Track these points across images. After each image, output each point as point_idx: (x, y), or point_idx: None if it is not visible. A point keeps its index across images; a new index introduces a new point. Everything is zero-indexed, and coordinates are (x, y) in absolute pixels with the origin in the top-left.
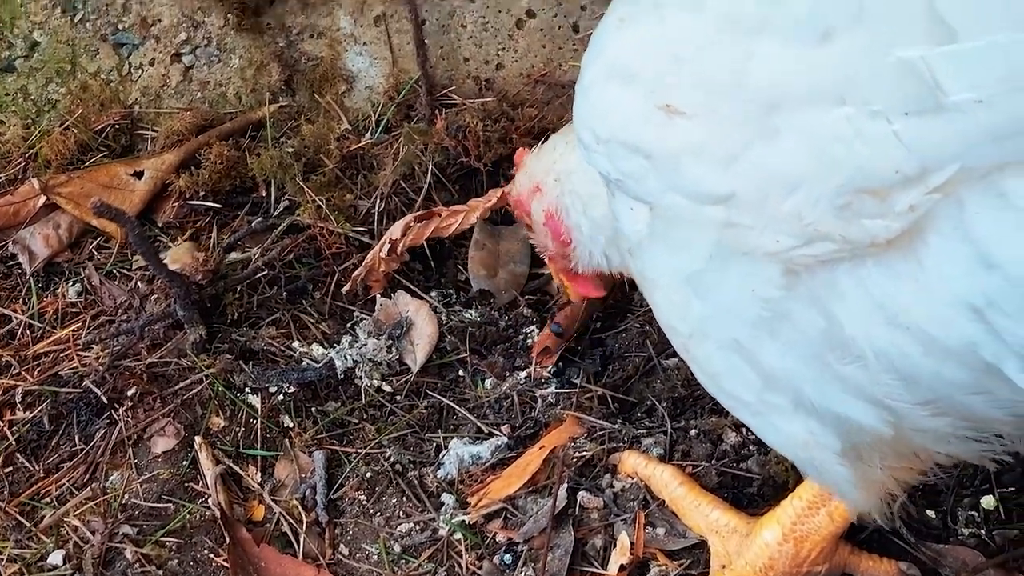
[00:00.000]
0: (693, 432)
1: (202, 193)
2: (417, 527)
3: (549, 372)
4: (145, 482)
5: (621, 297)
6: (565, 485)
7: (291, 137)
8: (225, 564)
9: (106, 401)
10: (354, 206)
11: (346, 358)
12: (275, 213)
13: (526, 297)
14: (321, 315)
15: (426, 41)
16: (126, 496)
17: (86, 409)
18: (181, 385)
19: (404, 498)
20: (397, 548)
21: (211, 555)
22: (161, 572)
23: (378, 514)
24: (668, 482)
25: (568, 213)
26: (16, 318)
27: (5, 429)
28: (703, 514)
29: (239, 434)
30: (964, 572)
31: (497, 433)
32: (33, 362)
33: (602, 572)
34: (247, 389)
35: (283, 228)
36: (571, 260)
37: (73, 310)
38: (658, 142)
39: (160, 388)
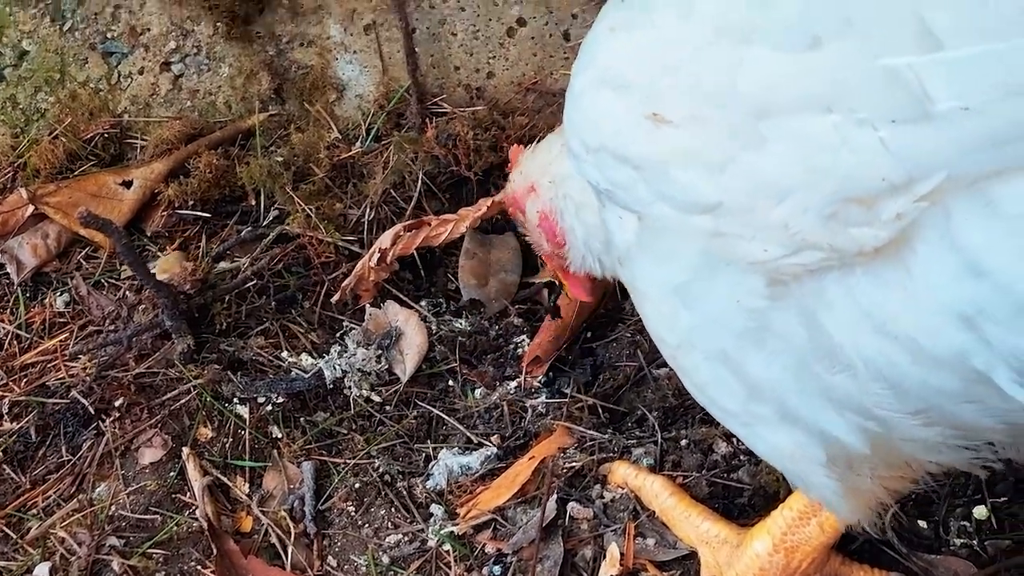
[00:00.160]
0: (684, 442)
1: (191, 202)
2: (406, 538)
3: (539, 382)
4: (132, 493)
5: (612, 306)
6: (555, 496)
7: (281, 146)
8: None
9: (93, 412)
10: (344, 215)
11: (335, 368)
12: (264, 222)
13: (516, 306)
14: (310, 325)
15: (416, 49)
16: (113, 508)
17: (73, 420)
18: (169, 396)
19: (393, 509)
20: (386, 559)
21: (198, 567)
22: None
23: (367, 525)
24: (658, 492)
25: (562, 216)
26: (3, 328)
27: None
28: (693, 525)
29: (227, 445)
30: None
31: (487, 443)
32: (20, 373)
33: None
34: (235, 399)
35: (272, 237)
36: (566, 261)
37: (61, 320)
38: (646, 151)
39: (148, 399)
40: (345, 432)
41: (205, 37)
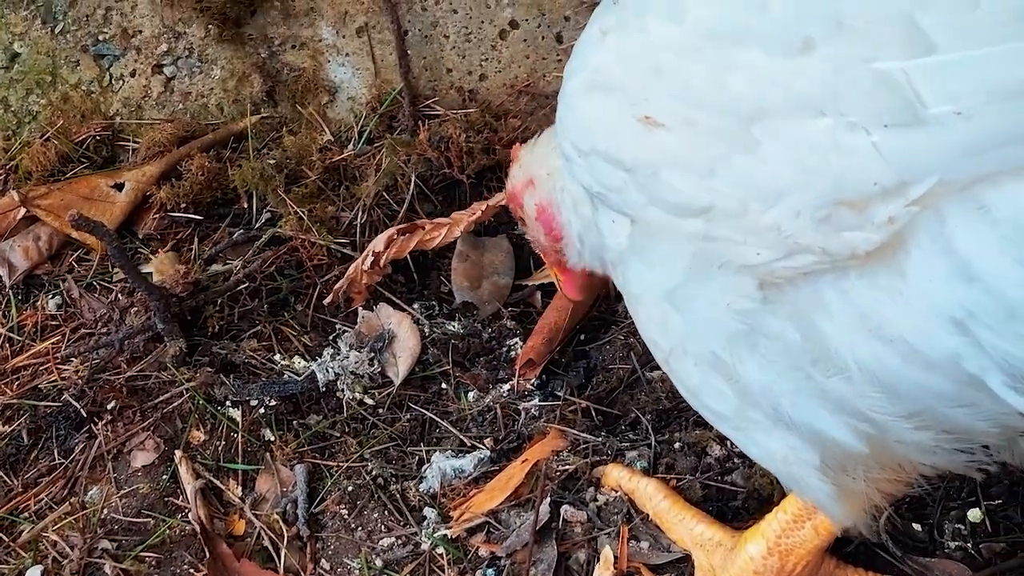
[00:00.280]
0: (677, 445)
1: (183, 205)
2: (399, 541)
3: (532, 385)
4: (124, 496)
5: (605, 309)
6: (548, 499)
7: (273, 148)
8: None
9: (85, 415)
10: (336, 218)
11: (328, 371)
12: (257, 225)
13: (509, 309)
14: (303, 327)
15: (409, 52)
16: (105, 511)
17: (65, 423)
18: (161, 399)
19: (386, 512)
20: (379, 562)
21: (191, 570)
22: None
23: (360, 528)
24: (652, 495)
25: (560, 209)
26: None
27: None
28: (687, 528)
29: (219, 448)
30: None
31: (480, 446)
32: (12, 376)
33: None
34: (228, 402)
35: (265, 240)
36: (563, 256)
37: (53, 323)
38: (637, 154)
39: (140, 402)
40: (338, 435)
41: (197, 39)
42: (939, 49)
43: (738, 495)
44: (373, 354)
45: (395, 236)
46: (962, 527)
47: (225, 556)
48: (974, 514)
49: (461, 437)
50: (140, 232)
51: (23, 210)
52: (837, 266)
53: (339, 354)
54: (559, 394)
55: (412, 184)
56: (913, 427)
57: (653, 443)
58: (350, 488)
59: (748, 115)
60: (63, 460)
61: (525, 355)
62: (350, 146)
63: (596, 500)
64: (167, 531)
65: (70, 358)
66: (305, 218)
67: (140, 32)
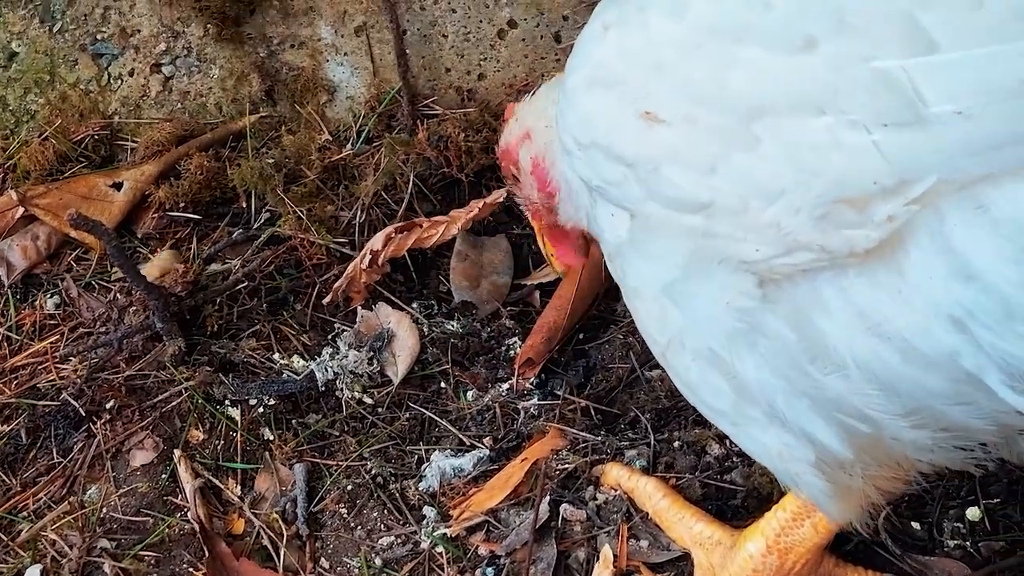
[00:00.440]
0: (677, 444)
1: (182, 204)
2: (398, 540)
3: (532, 384)
4: (123, 496)
5: (604, 308)
6: (548, 498)
7: (272, 148)
8: None
9: (84, 414)
10: (335, 217)
11: (327, 370)
12: (256, 224)
13: (508, 308)
14: (302, 327)
15: (407, 51)
16: (104, 510)
17: (64, 422)
18: (160, 398)
19: (385, 511)
20: (378, 561)
21: (190, 569)
22: None
23: (359, 527)
24: (651, 494)
25: (555, 163)
26: None
27: None
28: (687, 526)
29: (219, 447)
30: None
31: (479, 445)
32: (10, 375)
33: None
34: (227, 401)
35: (264, 239)
36: (555, 213)
37: (51, 322)
38: (638, 150)
39: (139, 401)
40: (337, 434)
41: (196, 39)
42: (940, 48)
43: (737, 494)
44: (372, 353)
45: (393, 234)
46: (961, 525)
47: (224, 555)
48: (973, 512)
49: (460, 436)
50: (139, 231)
51: (21, 209)
52: (836, 264)
53: (338, 353)
54: (558, 393)
55: (411, 183)
56: (910, 425)
57: (652, 442)
58: (349, 487)
59: (749, 112)
60: (62, 459)
61: (524, 354)
62: (349, 145)
63: (595, 499)
64: (166, 530)
65: (69, 357)
66: (304, 217)
67: (138, 31)
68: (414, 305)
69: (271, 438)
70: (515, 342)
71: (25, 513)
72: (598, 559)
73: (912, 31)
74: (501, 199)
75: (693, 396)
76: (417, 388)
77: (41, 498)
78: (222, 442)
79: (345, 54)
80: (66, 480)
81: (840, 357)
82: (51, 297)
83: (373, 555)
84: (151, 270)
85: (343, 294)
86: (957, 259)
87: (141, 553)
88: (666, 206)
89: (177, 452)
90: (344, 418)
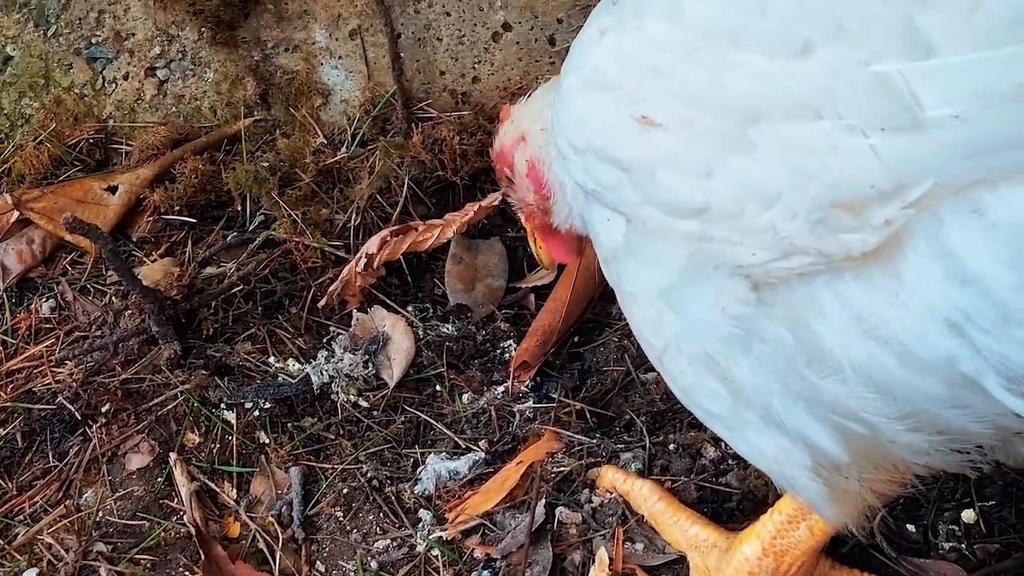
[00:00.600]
0: (672, 447)
1: (177, 208)
2: (394, 543)
3: (527, 387)
4: (119, 499)
5: (599, 311)
6: (543, 500)
7: (266, 151)
8: None
9: (80, 418)
10: (330, 220)
11: (322, 373)
12: (251, 227)
13: (503, 311)
14: (297, 330)
15: (402, 55)
16: (100, 513)
17: (60, 426)
18: (156, 401)
19: (381, 514)
20: (374, 565)
21: (186, 572)
22: None
23: (355, 530)
24: (647, 497)
25: (551, 166)
26: None
27: None
28: (682, 529)
29: (214, 450)
30: None
31: (475, 448)
32: (6, 379)
33: None
34: (222, 405)
35: (259, 243)
36: (550, 215)
37: (47, 326)
38: (634, 153)
39: (134, 404)
40: (333, 437)
41: (190, 42)
42: (938, 52)
43: (733, 496)
44: (367, 356)
45: (388, 238)
46: (956, 528)
47: (220, 558)
48: (968, 515)
49: (456, 439)
50: (134, 235)
51: (16, 213)
52: (832, 267)
53: (333, 357)
54: (553, 396)
55: (405, 186)
56: (907, 428)
57: (648, 445)
58: (345, 490)
59: (745, 116)
60: (58, 463)
61: (519, 357)
62: (343, 149)
63: (591, 502)
64: (162, 534)
65: (64, 361)
66: (299, 221)
67: (133, 35)
68: (409, 308)
69: (267, 441)
70: (510, 345)
71: (21, 517)
72: (594, 562)
73: (910, 35)
74: (496, 202)
75: (689, 400)
76: (412, 391)
77: (37, 502)
78: (218, 446)
79: (339, 57)
80: (62, 484)
81: (836, 361)
82: (46, 301)
83: (369, 558)
84: (149, 274)
85: (338, 297)
86: (954, 263)
87: (137, 557)
88: (662, 210)
89: (173, 456)
90: (339, 421)
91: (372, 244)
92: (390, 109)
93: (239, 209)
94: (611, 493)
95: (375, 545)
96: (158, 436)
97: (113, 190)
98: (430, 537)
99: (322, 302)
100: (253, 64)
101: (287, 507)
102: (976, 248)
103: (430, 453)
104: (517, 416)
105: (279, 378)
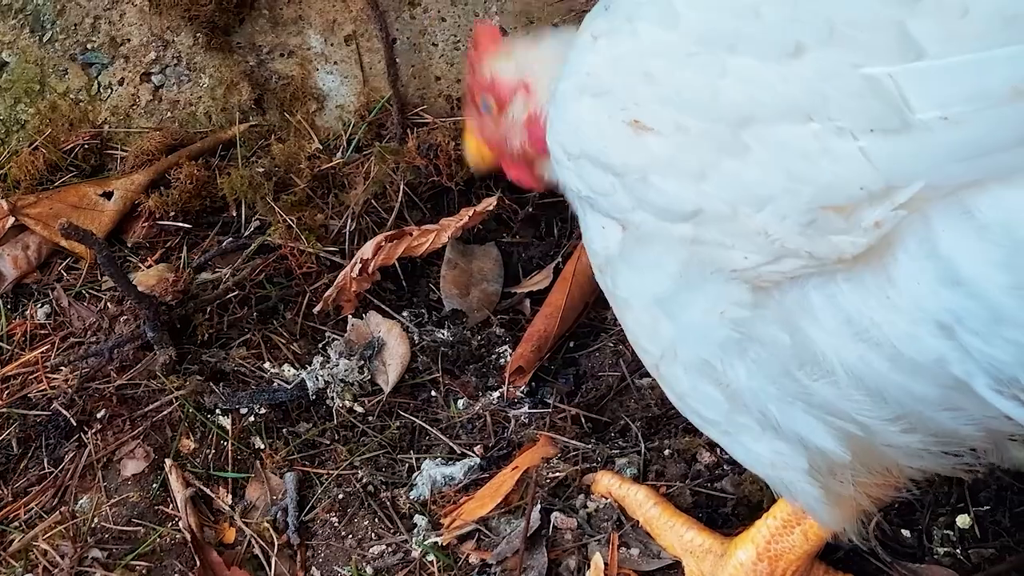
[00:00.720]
0: (667, 452)
1: (172, 213)
2: (389, 549)
3: (522, 392)
4: (115, 505)
5: (594, 316)
6: (538, 506)
7: (261, 156)
8: None
9: (75, 424)
10: (325, 226)
11: (317, 379)
12: (246, 233)
13: (499, 316)
14: (292, 335)
15: (397, 60)
16: (95, 519)
17: (55, 432)
18: (151, 407)
19: (376, 519)
20: (369, 570)
21: None
22: None
23: (350, 536)
24: (642, 502)
25: None
26: None
27: None
28: (677, 534)
29: (209, 456)
30: None
31: (470, 454)
32: (1, 385)
33: None
34: (217, 410)
35: (254, 248)
36: (535, 168)
37: (42, 332)
38: (627, 158)
39: (129, 410)
40: (328, 443)
41: (185, 48)
42: (928, 55)
43: (728, 502)
44: (363, 362)
45: (383, 243)
46: (951, 533)
47: (215, 564)
48: (963, 520)
49: (451, 444)
50: (129, 240)
51: (12, 219)
52: (824, 270)
53: (329, 362)
54: (549, 401)
55: (401, 192)
56: (900, 430)
57: (643, 450)
58: (340, 496)
59: (738, 120)
60: (53, 469)
61: (515, 362)
62: (339, 154)
63: (586, 507)
64: (157, 539)
65: (60, 367)
66: (294, 226)
67: (128, 41)
68: (404, 313)
69: (262, 447)
70: (505, 350)
71: (16, 523)
72: (589, 567)
73: (901, 38)
74: (491, 207)
75: (684, 405)
76: (408, 396)
77: (32, 508)
78: (213, 451)
79: (335, 63)
80: (57, 490)
81: (829, 363)
82: (42, 307)
83: (364, 564)
84: (144, 279)
85: (333, 303)
86: (944, 264)
87: (132, 562)
88: (655, 215)
89: (168, 461)
90: (335, 427)
91: (367, 249)
92: (385, 114)
93: (234, 214)
94: (606, 498)
95: (370, 550)
96: (153, 442)
97: (108, 196)
98: (425, 543)
99: (317, 307)
100: (248, 69)
101: (282, 512)
102: (967, 249)
103: (425, 458)
104: (512, 421)
105: (274, 383)
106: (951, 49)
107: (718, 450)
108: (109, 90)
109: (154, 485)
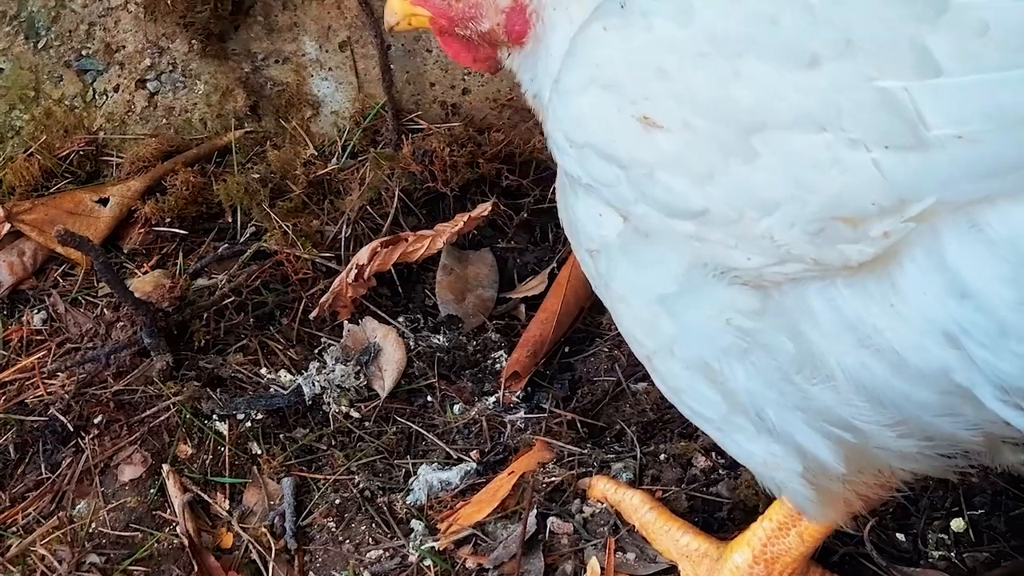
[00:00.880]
0: (663, 456)
1: (168, 219)
2: (386, 553)
3: (518, 397)
4: (112, 510)
5: (589, 321)
6: (535, 511)
7: (257, 163)
8: None
9: (72, 429)
10: (321, 232)
11: (314, 384)
12: (242, 239)
13: (494, 322)
14: (289, 341)
15: (392, 66)
16: (93, 525)
17: (52, 437)
18: (148, 413)
19: (373, 524)
20: (367, 575)
21: None
22: None
23: (347, 541)
24: (638, 507)
25: (545, 25)
26: None
27: None
28: (673, 539)
29: (207, 461)
30: None
31: (466, 459)
32: None
33: None
34: (215, 416)
35: (250, 254)
36: (497, 54)
37: (38, 338)
38: (634, 153)
39: (127, 416)
40: (325, 448)
41: (180, 54)
42: (945, 72)
43: (723, 506)
44: (359, 367)
45: (378, 249)
46: (946, 537)
47: (213, 569)
48: (958, 524)
49: (447, 450)
50: (125, 247)
51: (7, 225)
52: (826, 275)
53: (325, 368)
54: (544, 406)
55: (396, 198)
56: (897, 435)
57: (638, 455)
58: (337, 501)
59: (749, 125)
60: (50, 474)
61: (510, 368)
62: (334, 160)
63: (582, 512)
64: (155, 545)
65: (56, 373)
66: (290, 232)
67: (123, 47)
68: (400, 319)
69: (259, 452)
70: (501, 356)
71: (14, 528)
72: (585, 572)
73: (918, 54)
74: (486, 213)
75: (678, 400)
76: (404, 402)
77: (30, 513)
78: (210, 456)
79: (329, 69)
80: (55, 495)
81: (828, 367)
82: (38, 313)
83: (361, 569)
84: (140, 286)
85: (329, 308)
86: (952, 276)
87: (130, 568)
88: (659, 210)
89: (165, 467)
90: (331, 432)
91: (363, 255)
92: (380, 120)
93: (230, 221)
94: (602, 503)
95: (367, 555)
96: (150, 447)
97: (104, 202)
98: (422, 547)
99: (313, 313)
100: (243, 76)
101: (279, 518)
102: (975, 263)
103: (422, 464)
104: (508, 426)
105: (271, 389)
106: (968, 67)
107: (714, 454)
108: (104, 97)
109: (151, 490)
